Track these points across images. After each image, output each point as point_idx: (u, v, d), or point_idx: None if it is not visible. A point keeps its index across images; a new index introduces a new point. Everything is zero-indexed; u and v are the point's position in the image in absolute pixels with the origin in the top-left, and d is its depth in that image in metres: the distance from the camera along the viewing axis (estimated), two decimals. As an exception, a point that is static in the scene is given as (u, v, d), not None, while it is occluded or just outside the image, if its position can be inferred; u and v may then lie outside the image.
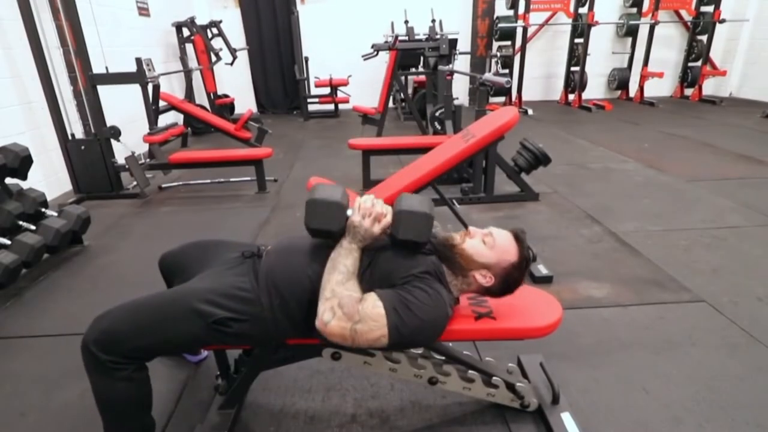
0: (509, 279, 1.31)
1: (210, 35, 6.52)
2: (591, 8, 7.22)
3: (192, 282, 1.33)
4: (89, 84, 3.69)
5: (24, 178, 2.73)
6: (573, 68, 7.85)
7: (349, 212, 1.27)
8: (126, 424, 1.26)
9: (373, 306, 1.13)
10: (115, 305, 1.24)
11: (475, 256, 1.28)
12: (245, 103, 7.70)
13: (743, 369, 1.73)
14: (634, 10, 7.87)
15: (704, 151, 4.84)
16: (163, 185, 4.17)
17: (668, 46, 8.28)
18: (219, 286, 1.26)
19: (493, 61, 7.63)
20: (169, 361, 1.84)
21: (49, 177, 3.88)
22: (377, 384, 1.70)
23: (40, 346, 2.01)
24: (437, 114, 4.43)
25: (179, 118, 5.93)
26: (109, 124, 3.76)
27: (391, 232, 1.28)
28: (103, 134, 3.73)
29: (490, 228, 1.34)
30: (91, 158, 3.75)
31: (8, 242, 2.49)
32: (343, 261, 1.21)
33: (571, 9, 7.57)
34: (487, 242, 1.30)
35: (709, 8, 7.54)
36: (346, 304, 1.13)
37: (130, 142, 4.07)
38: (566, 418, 1.47)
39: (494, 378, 1.49)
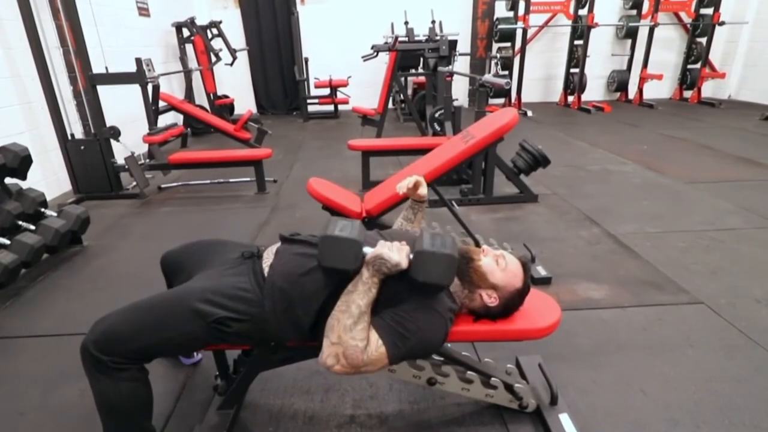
0: (510, 304, 1.35)
1: (210, 36, 6.53)
2: (591, 10, 7.24)
3: (191, 282, 1.33)
4: (89, 84, 3.69)
5: (23, 178, 2.73)
6: (572, 70, 7.87)
7: (366, 249, 1.22)
8: (126, 429, 1.25)
9: (377, 348, 1.16)
10: (114, 306, 1.24)
11: (488, 275, 1.31)
12: (245, 103, 7.71)
13: (741, 371, 1.74)
14: (634, 12, 7.89)
15: (703, 153, 4.85)
16: (163, 185, 4.17)
17: (668, 48, 8.30)
18: (219, 286, 1.26)
19: (493, 62, 7.64)
20: (168, 362, 1.84)
21: (49, 177, 3.88)
22: (376, 385, 1.71)
23: (39, 346, 2.01)
24: (437, 115, 4.43)
25: (179, 118, 5.93)
26: (108, 124, 3.77)
27: (410, 274, 1.19)
28: (102, 134, 3.74)
29: (501, 251, 1.38)
30: (90, 158, 3.75)
31: (8, 242, 2.49)
32: (358, 301, 1.17)
33: (571, 11, 7.59)
34: (500, 264, 1.33)
35: (709, 10, 7.56)
36: (351, 355, 1.14)
37: (130, 142, 4.08)
38: (564, 419, 1.48)
39: (493, 379, 1.49)
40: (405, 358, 1.20)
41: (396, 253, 1.20)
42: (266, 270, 1.30)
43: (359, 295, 1.18)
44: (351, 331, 1.15)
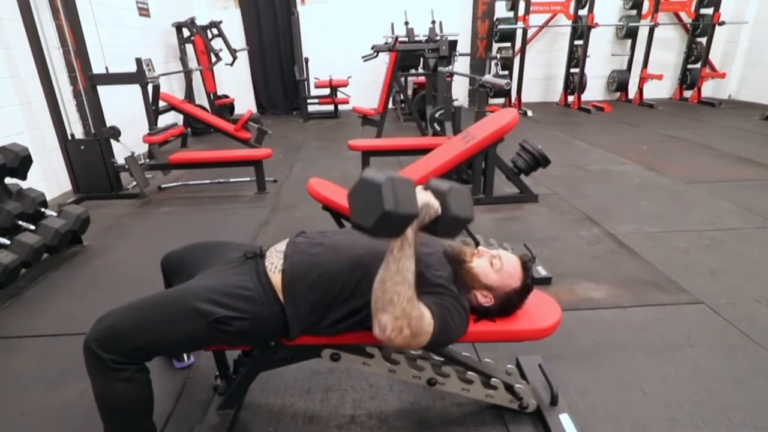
0: (508, 303, 1.35)
1: (210, 36, 6.53)
2: (591, 10, 7.23)
3: (193, 281, 1.33)
4: (89, 84, 3.69)
5: (23, 178, 2.73)
6: (572, 70, 7.86)
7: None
8: (127, 428, 1.25)
9: (429, 324, 1.15)
10: (115, 306, 1.24)
11: (480, 276, 1.31)
12: (245, 103, 7.71)
13: (741, 371, 1.74)
14: (634, 12, 7.88)
15: (703, 153, 4.85)
16: (163, 185, 4.17)
17: (668, 48, 8.30)
18: (221, 285, 1.26)
19: (493, 62, 7.63)
20: (168, 362, 1.84)
21: (49, 177, 3.88)
22: (376, 385, 1.71)
23: (39, 346, 2.01)
24: (437, 115, 4.43)
25: (179, 118, 5.93)
26: (108, 124, 3.77)
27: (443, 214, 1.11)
28: (102, 134, 3.73)
29: (499, 250, 1.37)
30: (90, 158, 3.75)
31: (8, 242, 2.49)
32: (409, 265, 1.08)
33: (571, 11, 7.59)
34: (494, 265, 1.32)
35: (709, 10, 7.56)
36: (415, 326, 1.11)
37: (130, 142, 4.08)
38: (565, 419, 1.48)
39: (493, 379, 1.49)
40: (433, 346, 1.22)
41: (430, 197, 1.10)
42: (272, 272, 1.29)
43: (408, 259, 1.07)
44: (412, 302, 1.09)
